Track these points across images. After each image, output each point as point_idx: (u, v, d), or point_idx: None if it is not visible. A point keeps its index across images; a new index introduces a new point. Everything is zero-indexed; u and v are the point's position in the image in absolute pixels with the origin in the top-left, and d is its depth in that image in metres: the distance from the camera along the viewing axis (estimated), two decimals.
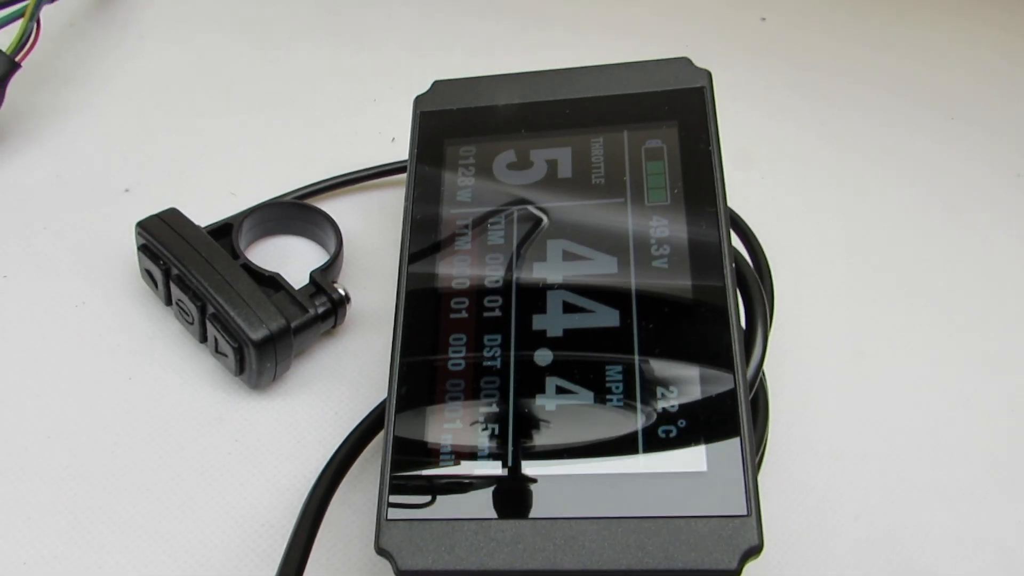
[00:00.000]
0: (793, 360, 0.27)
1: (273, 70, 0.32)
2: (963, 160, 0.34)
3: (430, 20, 0.35)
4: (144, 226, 0.24)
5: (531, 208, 0.23)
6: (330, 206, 0.28)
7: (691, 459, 0.19)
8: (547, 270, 0.22)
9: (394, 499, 0.20)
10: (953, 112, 0.36)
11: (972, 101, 0.37)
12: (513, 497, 0.19)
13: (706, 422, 0.20)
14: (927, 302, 0.29)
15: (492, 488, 0.19)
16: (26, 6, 0.28)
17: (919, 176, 0.33)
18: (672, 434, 0.20)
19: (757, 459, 0.23)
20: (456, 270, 0.23)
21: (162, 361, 0.25)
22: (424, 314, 0.22)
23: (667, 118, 0.24)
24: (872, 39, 0.39)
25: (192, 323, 0.24)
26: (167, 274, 0.24)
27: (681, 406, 0.20)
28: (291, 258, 0.27)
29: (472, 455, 0.20)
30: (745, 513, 0.18)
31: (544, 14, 0.36)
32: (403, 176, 0.29)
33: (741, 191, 0.28)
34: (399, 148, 0.30)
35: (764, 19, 0.39)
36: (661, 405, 0.20)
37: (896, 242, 0.31)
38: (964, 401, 0.27)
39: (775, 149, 0.33)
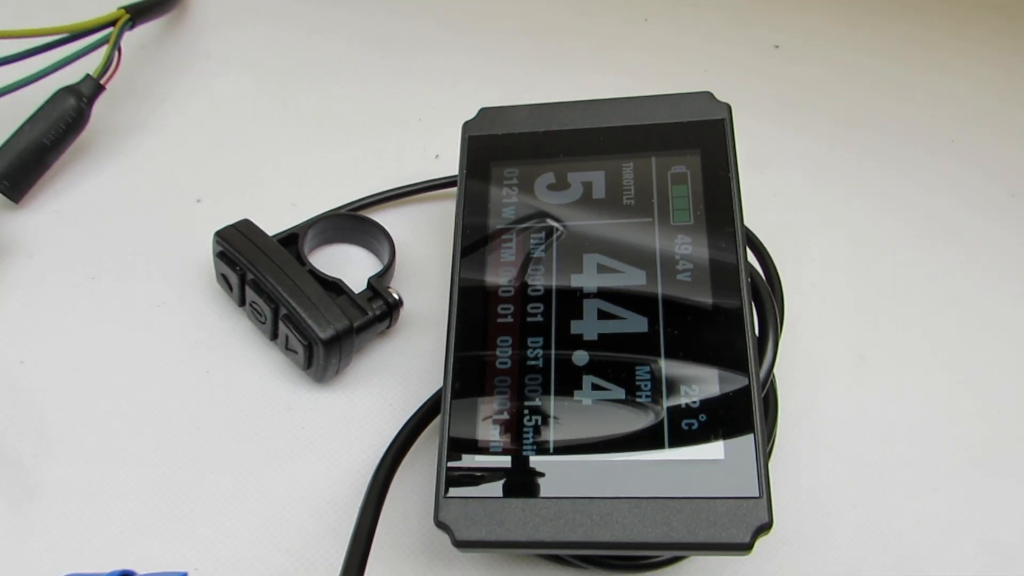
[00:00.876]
0: (801, 363, 0.30)
1: (328, 93, 0.35)
2: (960, 181, 0.37)
3: (470, 50, 0.38)
4: (222, 235, 0.27)
5: (565, 224, 0.26)
6: (382, 217, 0.31)
7: (710, 449, 0.22)
8: (583, 280, 0.25)
9: (451, 479, 0.22)
10: (953, 136, 0.39)
11: (971, 128, 0.40)
12: (555, 480, 0.22)
13: (724, 417, 0.22)
14: (923, 313, 0.32)
15: (536, 471, 0.22)
16: (110, 34, 0.31)
17: (919, 198, 0.36)
18: (694, 427, 0.22)
19: (767, 451, 0.26)
20: (502, 279, 0.25)
21: (236, 356, 0.27)
22: (474, 318, 0.25)
23: (691, 146, 0.27)
24: (882, 71, 0.41)
25: (264, 323, 0.27)
26: (243, 279, 0.27)
27: (702, 402, 0.23)
28: (350, 264, 0.30)
29: (518, 442, 0.23)
30: (757, 495, 0.21)
31: (575, 44, 0.39)
32: (448, 190, 0.32)
33: (756, 208, 0.31)
34: (442, 164, 0.33)
35: (777, 46, 0.41)
36: (684, 401, 0.23)
37: (896, 258, 0.34)
38: (953, 403, 0.29)
39: (789, 169, 0.36)
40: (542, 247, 0.26)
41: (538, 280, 0.25)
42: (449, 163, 0.32)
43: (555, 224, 0.26)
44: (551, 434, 0.23)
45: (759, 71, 0.40)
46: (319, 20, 0.37)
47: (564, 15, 0.40)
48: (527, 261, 0.26)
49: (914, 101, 0.40)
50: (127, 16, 0.31)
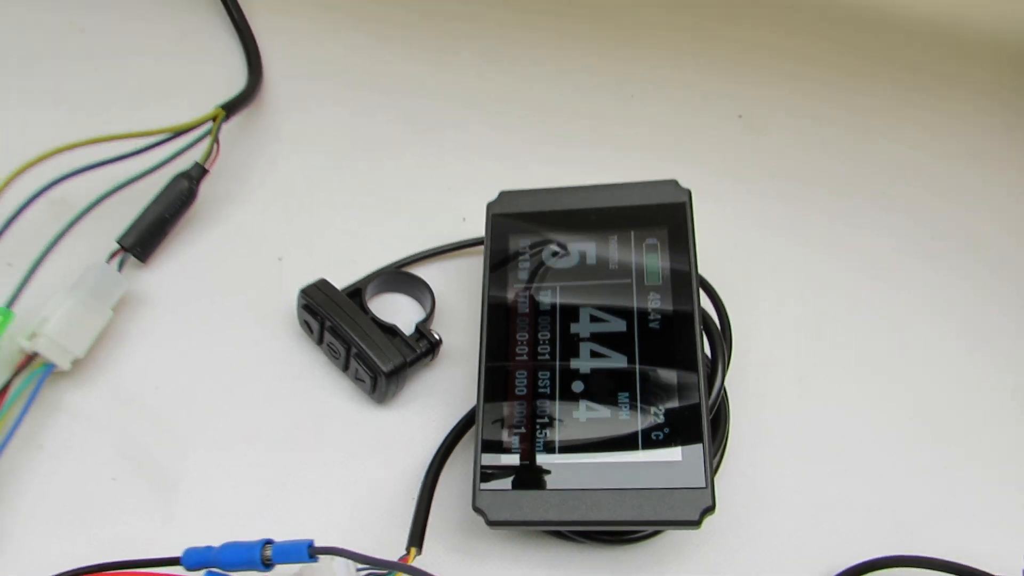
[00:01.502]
0: (751, 385, 0.38)
1: (376, 165, 0.43)
2: (889, 228, 0.45)
3: (486, 127, 0.46)
4: (306, 291, 0.36)
5: (565, 283, 0.34)
6: (423, 271, 0.39)
7: (671, 453, 0.30)
8: (579, 328, 0.33)
9: (483, 474, 0.31)
10: (884, 190, 0.47)
11: (899, 184, 0.48)
12: (559, 475, 0.30)
13: (681, 430, 0.31)
14: (854, 340, 0.40)
15: (544, 469, 0.31)
16: (212, 128, 0.39)
17: (854, 242, 0.44)
18: (660, 437, 0.31)
19: (719, 455, 0.35)
20: (519, 327, 0.34)
21: (315, 384, 0.36)
22: (498, 355, 0.33)
23: (660, 224, 0.35)
24: (827, 136, 0.49)
25: (338, 358, 0.35)
26: (322, 325, 0.35)
27: (666, 419, 0.31)
28: (400, 311, 0.38)
29: (532, 448, 0.31)
30: (704, 486, 0.29)
31: (573, 121, 0.47)
32: (474, 248, 0.40)
33: (719, 257, 0.40)
34: (469, 226, 0.41)
35: (740, 116, 0.49)
36: (653, 419, 0.31)
37: (832, 295, 0.42)
38: (876, 411, 0.38)
39: (746, 220, 0.44)
40: (549, 302, 0.34)
41: (546, 327, 0.34)
42: (474, 225, 0.41)
43: (559, 284, 0.35)
44: (556, 442, 0.31)
45: (724, 138, 0.48)
46: (367, 104, 0.45)
47: (563, 96, 0.48)
48: (538, 312, 0.34)
49: (853, 161, 0.48)
50: (223, 113, 0.40)
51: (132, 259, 0.37)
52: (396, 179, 0.43)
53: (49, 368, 0.33)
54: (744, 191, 0.46)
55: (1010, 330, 0.42)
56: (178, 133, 0.38)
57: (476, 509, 0.30)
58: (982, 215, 0.47)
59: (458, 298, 0.39)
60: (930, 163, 0.49)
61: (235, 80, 0.45)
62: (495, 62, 0.49)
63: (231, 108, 0.40)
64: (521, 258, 0.35)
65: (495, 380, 0.33)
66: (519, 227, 0.36)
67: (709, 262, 0.37)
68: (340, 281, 0.37)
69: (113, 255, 0.36)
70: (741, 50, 0.53)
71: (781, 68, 0.52)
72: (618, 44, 0.51)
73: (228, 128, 0.41)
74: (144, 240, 0.37)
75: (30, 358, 0.33)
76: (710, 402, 0.32)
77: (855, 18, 0.57)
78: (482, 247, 0.38)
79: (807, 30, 0.55)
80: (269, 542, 0.27)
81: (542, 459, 0.31)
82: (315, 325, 0.35)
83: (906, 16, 0.57)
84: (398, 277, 0.38)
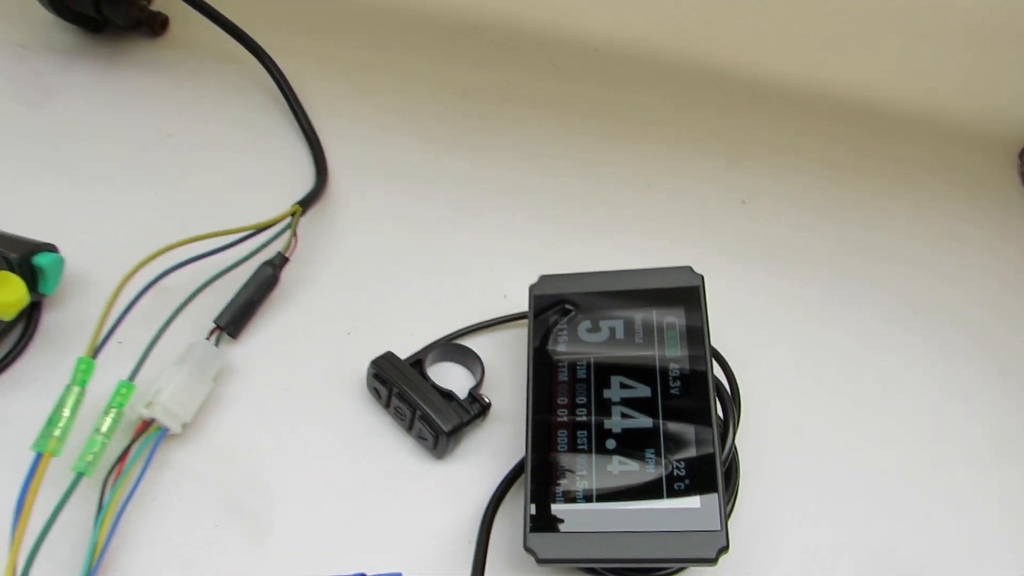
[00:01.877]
0: (757, 440, 0.43)
1: (429, 247, 0.49)
2: (874, 301, 0.51)
3: (523, 213, 0.52)
4: (376, 362, 0.41)
5: (598, 356, 0.40)
6: (472, 342, 0.45)
7: (691, 500, 0.36)
8: (611, 394, 0.39)
9: (533, 519, 0.36)
10: (871, 268, 0.53)
11: (884, 262, 0.54)
12: (597, 520, 0.36)
13: (699, 480, 0.36)
14: (845, 400, 0.46)
15: (585, 514, 0.36)
16: (291, 222, 0.45)
17: (845, 314, 0.50)
18: (681, 487, 0.36)
19: (731, 503, 0.40)
20: (559, 392, 0.39)
21: (384, 442, 0.41)
22: (542, 418, 0.39)
23: (678, 304, 0.41)
24: (819, 219, 0.55)
25: (404, 420, 0.41)
26: (390, 391, 0.41)
27: (686, 472, 0.36)
28: (454, 377, 0.44)
29: (574, 497, 0.36)
30: (719, 529, 0.35)
31: (598, 217, 0.53)
32: (516, 322, 0.46)
33: (729, 326, 0.45)
34: (510, 303, 0.47)
35: (744, 201, 0.56)
36: (675, 471, 0.36)
37: (826, 358, 0.48)
38: (863, 458, 0.43)
39: (751, 295, 0.50)
40: (585, 372, 0.40)
41: (582, 393, 0.39)
42: (514, 301, 0.47)
43: (592, 356, 0.40)
44: (593, 491, 0.36)
45: (730, 220, 0.54)
46: (418, 195, 0.52)
47: (589, 185, 0.54)
48: (575, 380, 0.40)
49: (843, 242, 0.54)
50: (300, 209, 0.46)
51: (226, 336, 0.43)
52: (445, 260, 0.49)
53: (163, 432, 0.38)
54: (748, 268, 0.52)
55: (982, 388, 0.48)
56: (262, 228, 0.45)
57: (527, 549, 0.36)
58: (957, 290, 0.53)
59: (503, 366, 0.44)
60: (911, 244, 0.55)
61: (304, 174, 0.51)
62: (529, 157, 0.56)
63: (306, 204, 0.47)
64: (559, 333, 0.41)
65: (540, 438, 0.38)
66: (556, 306, 0.42)
67: (720, 331, 0.43)
68: (401, 351, 0.42)
69: (211, 332, 0.42)
70: (742, 142, 0.59)
71: (778, 158, 0.59)
72: (636, 139, 0.58)
73: (302, 220, 0.47)
74: (236, 320, 0.43)
75: (147, 423, 0.38)
76: (723, 456, 0.38)
77: (845, 113, 0.64)
78: (522, 321, 0.44)
79: (802, 124, 0.61)
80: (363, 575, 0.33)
81: (582, 506, 0.36)
82: (384, 391, 0.41)
83: (890, 111, 0.64)
84: (452, 348, 0.44)
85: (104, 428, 0.37)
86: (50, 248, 0.42)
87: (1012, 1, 0.64)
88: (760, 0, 0.66)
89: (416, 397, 0.40)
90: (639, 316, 0.41)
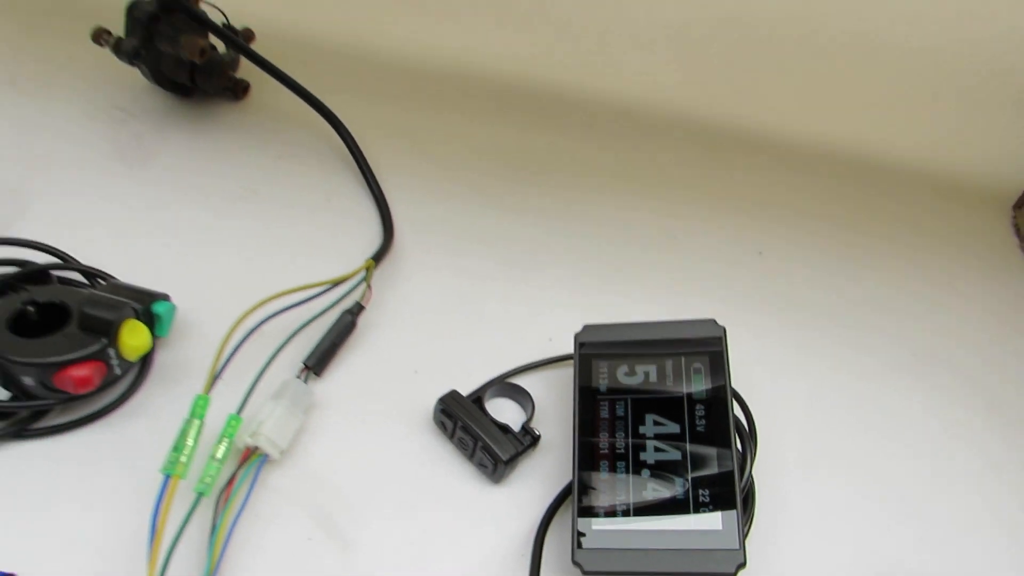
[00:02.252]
0: (771, 468, 0.49)
1: (482, 296, 0.56)
2: (879, 348, 0.57)
3: (562, 267, 0.59)
4: (443, 399, 0.48)
5: (636, 396, 0.46)
6: (523, 380, 0.51)
7: (713, 520, 0.42)
8: (645, 429, 0.45)
9: (579, 536, 0.42)
10: (876, 318, 0.59)
11: (887, 312, 0.60)
12: (634, 537, 0.42)
13: (721, 505, 0.42)
14: (850, 434, 0.52)
15: (624, 532, 0.42)
16: (366, 275, 0.52)
17: (851, 357, 0.56)
18: (705, 511, 0.42)
19: (748, 524, 0.46)
20: (601, 428, 0.45)
21: (448, 467, 0.47)
22: (587, 450, 0.45)
23: (703, 351, 0.47)
24: (828, 271, 0.61)
25: (467, 450, 0.47)
26: (455, 424, 0.47)
27: (710, 497, 0.42)
28: (509, 412, 0.50)
29: (613, 515, 0.43)
30: (737, 547, 0.41)
31: (629, 268, 0.59)
32: (561, 363, 0.52)
33: (748, 364, 0.51)
34: (555, 345, 0.53)
35: (761, 252, 0.62)
36: (700, 496, 0.42)
37: (833, 396, 0.53)
38: (869, 493, 0.49)
39: (767, 339, 0.56)
40: (623, 409, 0.46)
41: (621, 428, 0.45)
42: (559, 344, 0.53)
43: (629, 396, 0.46)
44: (631, 511, 0.43)
45: (748, 270, 0.61)
46: (473, 248, 0.58)
47: (621, 238, 0.61)
48: (615, 417, 0.46)
49: (849, 293, 0.60)
50: (373, 263, 0.53)
51: (313, 374, 0.49)
52: (498, 308, 0.55)
53: (265, 458, 0.45)
54: (763, 315, 0.58)
55: (974, 423, 0.54)
56: (342, 281, 0.51)
57: (575, 563, 0.42)
58: (952, 338, 0.58)
59: (550, 401, 0.51)
60: (910, 295, 0.61)
61: (372, 227, 0.58)
62: (569, 213, 0.62)
63: (377, 258, 0.53)
64: (601, 376, 0.47)
65: (586, 465, 0.44)
66: (599, 352, 0.48)
67: (739, 373, 0.49)
68: (462, 388, 0.49)
69: (302, 371, 0.49)
70: (760, 199, 0.65)
71: (791, 213, 0.65)
72: (664, 195, 0.64)
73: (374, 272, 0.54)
74: (322, 360, 0.49)
75: (251, 451, 0.45)
76: (742, 483, 0.44)
77: (851, 170, 0.70)
78: (566, 361, 0.50)
79: (813, 181, 0.67)
80: None
81: (622, 523, 0.42)
82: (449, 424, 0.47)
83: (892, 167, 0.70)
84: (506, 386, 0.50)
85: (219, 455, 0.43)
86: (165, 297, 0.49)
87: (1003, 62, 0.70)
88: (777, 67, 0.73)
89: (478, 430, 0.46)
90: (669, 362, 0.47)
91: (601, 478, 0.44)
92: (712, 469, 0.43)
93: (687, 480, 0.43)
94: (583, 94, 0.72)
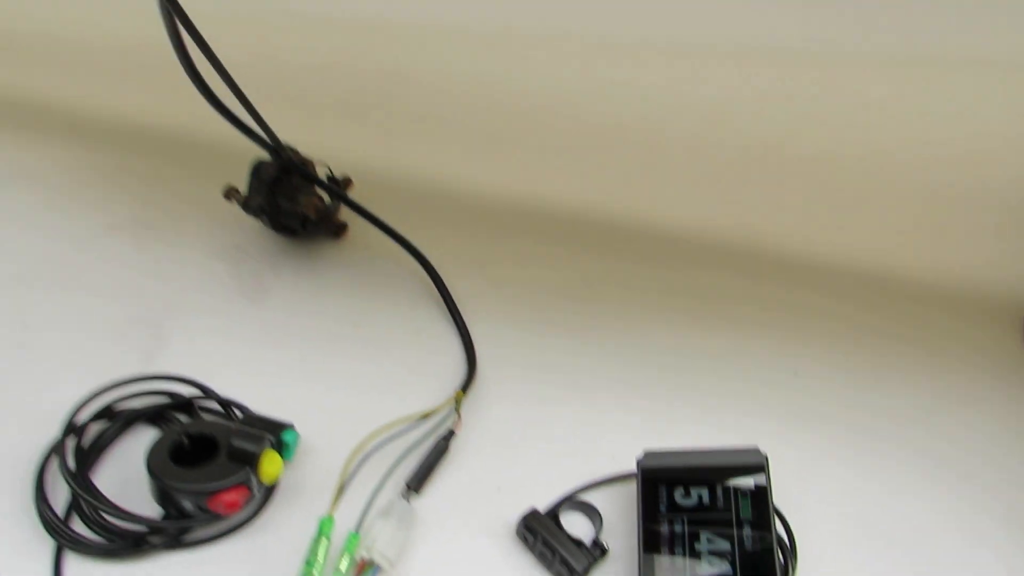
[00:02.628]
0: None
1: (553, 420, 0.64)
2: (905, 459, 0.64)
3: (626, 395, 0.67)
4: (525, 518, 0.55)
5: (689, 515, 0.54)
6: (590, 496, 0.58)
7: None
8: (700, 546, 0.52)
9: None
10: (905, 430, 0.65)
11: (916, 422, 0.66)
12: None
13: None
14: (881, 543, 0.58)
15: None
16: (457, 406, 0.60)
17: (882, 469, 0.63)
18: None
19: None
20: (662, 543, 0.53)
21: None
22: (650, 563, 0.52)
23: (749, 475, 0.54)
24: (858, 387, 0.68)
25: (547, 560, 0.54)
26: (535, 538, 0.55)
27: None
28: (580, 525, 0.57)
29: None
30: None
31: (678, 390, 0.67)
32: (624, 480, 0.59)
33: (790, 482, 0.58)
34: (618, 463, 0.61)
35: (796, 373, 0.69)
36: None
37: (865, 505, 0.60)
38: None
39: (805, 456, 0.63)
40: (681, 527, 0.53)
41: (679, 544, 0.53)
42: (621, 463, 0.60)
43: (686, 515, 0.54)
44: None
45: (785, 389, 0.68)
46: (546, 371, 0.66)
47: (670, 363, 0.69)
48: (673, 534, 0.53)
49: (878, 408, 0.67)
50: (462, 394, 0.61)
51: (414, 493, 0.57)
52: (566, 428, 0.63)
53: (377, 569, 0.53)
54: (801, 432, 0.65)
55: (993, 528, 0.60)
56: (435, 414, 0.60)
57: None
58: (972, 450, 0.65)
59: (615, 515, 0.58)
60: (931, 408, 0.67)
61: (458, 359, 0.66)
62: (625, 339, 0.70)
63: (465, 388, 0.62)
64: (661, 497, 0.55)
65: (647, 571, 0.52)
66: (658, 476, 0.56)
67: (780, 486, 0.56)
68: (539, 502, 0.56)
69: (405, 491, 0.57)
70: (791, 320, 0.73)
71: (821, 334, 0.72)
72: (706, 325, 0.72)
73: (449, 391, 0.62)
74: (421, 481, 0.57)
75: (366, 563, 0.53)
76: None
77: (871, 285, 0.77)
78: (627, 479, 0.57)
79: (841, 304, 0.75)
80: None
81: None
82: (531, 538, 0.55)
83: (908, 281, 0.77)
84: (577, 503, 0.58)
85: (343, 568, 0.51)
86: (290, 426, 0.57)
87: (1009, 173, 0.77)
88: (803, 195, 0.81)
89: (556, 544, 0.54)
90: (720, 485, 0.54)
91: None
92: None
93: None
94: (638, 223, 0.81)
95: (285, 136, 0.68)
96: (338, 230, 0.74)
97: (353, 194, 0.74)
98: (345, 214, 0.75)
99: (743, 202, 0.82)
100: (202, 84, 0.56)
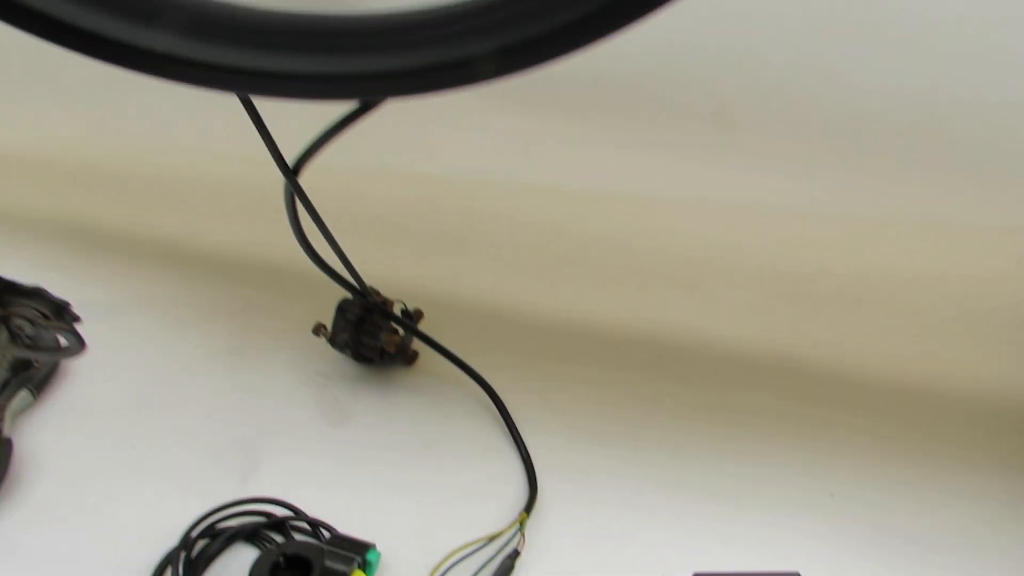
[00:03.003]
0: None
1: (606, 535, 0.69)
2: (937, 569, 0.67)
3: (675, 506, 0.72)
4: None
5: None
6: None
7: None
8: None
9: None
10: (935, 537, 0.69)
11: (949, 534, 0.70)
12: None
13: None
14: None
15: None
16: (520, 527, 0.66)
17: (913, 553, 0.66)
18: None
19: None
20: None
21: None
22: None
23: None
24: (906, 510, 0.73)
25: None
26: None
27: None
28: None
29: None
30: None
31: (718, 503, 0.72)
32: None
33: None
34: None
35: (832, 495, 0.73)
36: None
37: None
38: None
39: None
40: None
41: None
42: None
43: None
44: None
45: (823, 511, 0.72)
46: (602, 489, 0.72)
47: (712, 486, 0.74)
48: None
49: (914, 529, 0.71)
50: (526, 516, 0.67)
51: None
52: (620, 548, 0.68)
53: None
54: (840, 553, 0.69)
55: None
56: (501, 535, 0.65)
57: None
58: (1018, 569, 0.68)
59: None
60: (974, 529, 0.71)
61: (521, 480, 0.72)
62: (674, 458, 0.75)
63: (528, 510, 0.68)
64: None
65: None
66: None
67: None
68: None
69: None
70: (825, 443, 0.78)
71: (856, 455, 0.77)
72: (746, 442, 0.77)
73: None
74: None
75: None
76: None
77: (906, 406, 0.82)
78: None
79: (877, 424, 0.79)
80: None
81: None
82: None
83: (937, 395, 0.82)
84: None
85: None
86: (372, 546, 0.63)
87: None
88: (836, 317, 0.87)
89: None
90: None
91: None
92: None
93: None
94: (684, 347, 0.87)
95: (366, 271, 0.76)
96: (410, 359, 0.81)
97: (424, 324, 0.82)
98: (416, 343, 0.82)
99: (780, 327, 0.88)
100: (308, 246, 0.65)
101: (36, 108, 1.08)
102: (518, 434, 0.75)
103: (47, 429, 0.75)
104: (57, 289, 0.71)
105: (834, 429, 0.79)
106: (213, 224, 1.00)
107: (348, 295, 0.77)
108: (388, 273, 0.83)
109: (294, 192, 0.58)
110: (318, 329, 0.77)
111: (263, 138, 0.55)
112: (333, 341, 0.76)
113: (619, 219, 0.95)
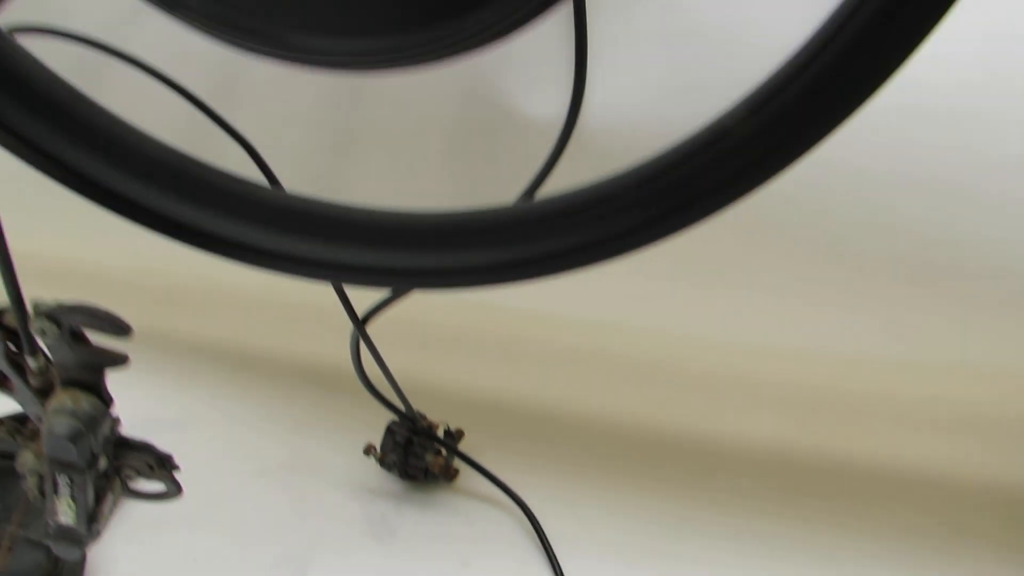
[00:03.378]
0: None
1: None
2: None
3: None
4: None
5: None
6: None
7: None
8: None
9: None
10: None
11: None
12: None
13: None
14: None
15: None
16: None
17: None
18: None
19: None
20: None
21: None
22: None
23: None
24: None
25: None
26: None
27: None
28: None
29: None
30: None
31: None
32: None
33: None
34: None
35: None
36: None
37: None
38: None
39: None
40: None
41: None
42: None
43: None
44: None
45: None
46: None
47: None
48: None
49: None
50: None
51: None
52: None
53: None
54: None
55: None
56: None
57: None
58: None
59: None
60: None
61: None
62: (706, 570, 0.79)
63: None
64: None
65: None
66: None
67: None
68: None
69: None
70: (845, 539, 0.81)
71: (880, 553, 0.80)
72: (777, 549, 0.80)
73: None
74: None
75: None
76: None
77: (924, 498, 0.85)
78: None
79: (892, 517, 0.83)
80: None
81: None
82: None
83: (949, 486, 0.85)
84: None
85: None
86: None
87: None
88: (858, 422, 0.91)
89: None
90: None
91: None
92: None
93: None
94: (712, 451, 0.91)
95: (411, 387, 0.82)
96: (452, 476, 0.86)
97: (464, 442, 0.87)
98: (457, 461, 0.87)
99: (802, 431, 0.92)
100: (366, 379, 0.70)
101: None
102: (553, 554, 0.79)
103: (114, 540, 0.80)
104: (129, 404, 0.77)
105: (852, 527, 0.82)
106: (271, 341, 1.07)
107: (396, 417, 0.83)
108: (433, 391, 0.88)
109: (361, 340, 0.64)
110: (368, 450, 0.82)
111: (336, 291, 0.62)
112: (382, 462, 0.81)
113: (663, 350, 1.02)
